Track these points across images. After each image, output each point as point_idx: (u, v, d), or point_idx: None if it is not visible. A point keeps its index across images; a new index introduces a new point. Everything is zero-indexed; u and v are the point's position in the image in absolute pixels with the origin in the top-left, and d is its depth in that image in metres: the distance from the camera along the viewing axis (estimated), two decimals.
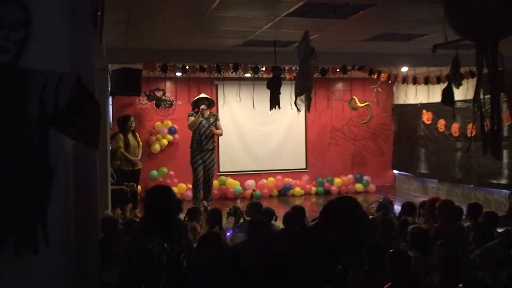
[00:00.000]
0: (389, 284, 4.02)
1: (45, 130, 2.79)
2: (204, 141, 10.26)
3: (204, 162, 10.29)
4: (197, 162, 10.28)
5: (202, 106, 10.21)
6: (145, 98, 11.50)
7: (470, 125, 10.66)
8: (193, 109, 10.45)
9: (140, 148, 10.17)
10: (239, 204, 7.77)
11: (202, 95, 10.58)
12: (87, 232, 3.32)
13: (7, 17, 2.76)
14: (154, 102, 11.36)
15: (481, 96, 3.38)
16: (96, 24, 3.35)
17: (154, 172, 12.17)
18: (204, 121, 10.25)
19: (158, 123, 12.42)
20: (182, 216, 6.89)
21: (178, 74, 9.70)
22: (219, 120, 10.60)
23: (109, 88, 8.78)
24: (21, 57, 2.79)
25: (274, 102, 7.96)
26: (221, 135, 10.78)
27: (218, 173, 12.78)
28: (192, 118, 10.31)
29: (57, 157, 2.84)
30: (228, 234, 6.61)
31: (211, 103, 10.69)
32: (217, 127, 10.41)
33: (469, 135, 10.72)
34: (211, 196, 10.61)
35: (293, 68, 9.10)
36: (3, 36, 2.75)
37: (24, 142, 2.78)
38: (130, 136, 9.88)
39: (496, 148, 3.64)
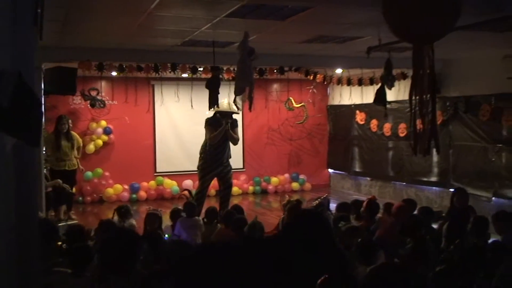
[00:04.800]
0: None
1: None
2: (219, 149, 9.09)
3: (219, 172, 9.15)
4: (204, 170, 9.14)
5: (226, 128, 8.95)
6: (79, 97, 11.27)
7: (402, 125, 11.10)
8: (214, 116, 9.12)
9: (75, 149, 9.96)
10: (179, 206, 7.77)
11: (227, 106, 9.02)
12: (29, 230, 3.26)
13: None
14: (89, 101, 11.15)
15: (414, 97, 3.56)
16: (36, 22, 3.28)
17: (89, 173, 11.93)
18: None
19: (92, 123, 12.19)
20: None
21: (114, 73, 9.55)
22: (237, 126, 9.37)
23: (43, 87, 8.55)
24: None
25: (213, 102, 7.98)
26: (234, 141, 9.31)
27: (155, 174, 12.71)
28: (213, 131, 8.94)
29: None
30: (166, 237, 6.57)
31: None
32: (234, 133, 9.21)
33: (400, 134, 11.17)
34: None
35: (231, 69, 9.17)
36: None
37: None
38: (62, 137, 9.67)
39: (437, 143, 3.82)
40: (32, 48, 3.27)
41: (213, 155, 9.05)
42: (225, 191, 9.33)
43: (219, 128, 8.92)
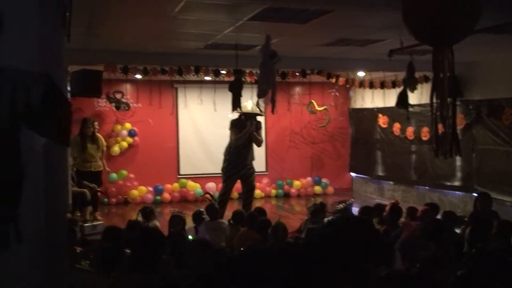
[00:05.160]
0: None
1: (16, 129, 2.83)
2: (244, 150, 9.24)
3: (243, 174, 9.29)
4: (228, 172, 9.27)
5: (251, 129, 9.11)
6: (105, 99, 11.47)
7: (424, 129, 11.06)
8: (238, 118, 9.28)
9: (101, 150, 10.14)
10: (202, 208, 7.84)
11: (251, 108, 9.25)
12: (56, 230, 3.36)
13: None
14: (113, 104, 11.35)
15: (435, 100, 3.59)
16: (65, 25, 3.40)
17: (114, 175, 12.10)
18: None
19: (117, 126, 12.37)
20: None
21: (138, 76, 9.70)
22: (260, 128, 9.54)
23: (69, 89, 8.73)
24: None
25: (236, 104, 8.07)
26: (258, 143, 9.44)
27: (178, 176, 12.84)
28: (237, 133, 9.10)
29: (28, 155, 2.88)
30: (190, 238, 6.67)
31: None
32: (258, 134, 9.39)
33: (423, 138, 11.12)
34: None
35: (254, 72, 9.26)
36: None
37: None
38: (88, 140, 9.85)
39: (458, 146, 3.85)
40: (61, 51, 3.38)
41: (237, 156, 9.16)
42: (247, 193, 9.43)
43: (244, 130, 9.01)
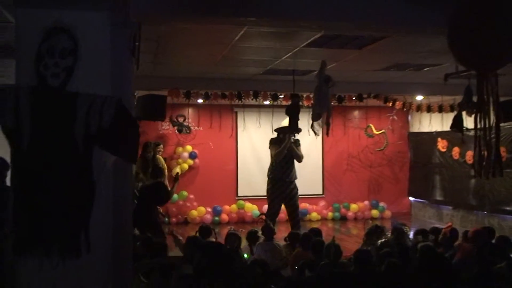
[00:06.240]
0: None
1: (89, 147, 3.16)
2: (286, 167, 9.31)
3: (286, 194, 9.36)
4: (273, 193, 9.40)
5: (289, 143, 9.17)
6: (168, 123, 11.93)
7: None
8: (278, 135, 9.45)
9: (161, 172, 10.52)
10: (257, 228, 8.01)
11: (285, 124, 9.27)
12: (122, 243, 3.63)
13: (57, 46, 3.16)
14: (176, 127, 11.78)
15: (479, 123, 3.72)
16: (134, 54, 3.73)
17: (175, 196, 12.48)
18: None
19: (179, 148, 12.81)
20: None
21: (200, 100, 10.10)
22: (299, 145, 9.53)
23: (135, 113, 9.17)
24: (69, 82, 3.18)
25: (293, 128, 8.27)
26: (299, 158, 9.43)
27: (236, 197, 13.10)
28: (277, 148, 9.21)
29: (99, 171, 3.20)
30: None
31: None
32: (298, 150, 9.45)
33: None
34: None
35: (311, 96, 9.46)
36: (54, 63, 3.15)
37: (71, 157, 3.14)
38: (149, 162, 10.26)
39: (501, 169, 3.94)
40: (130, 77, 3.71)
41: (280, 175, 9.26)
42: (293, 213, 9.51)
43: (283, 144, 9.15)
